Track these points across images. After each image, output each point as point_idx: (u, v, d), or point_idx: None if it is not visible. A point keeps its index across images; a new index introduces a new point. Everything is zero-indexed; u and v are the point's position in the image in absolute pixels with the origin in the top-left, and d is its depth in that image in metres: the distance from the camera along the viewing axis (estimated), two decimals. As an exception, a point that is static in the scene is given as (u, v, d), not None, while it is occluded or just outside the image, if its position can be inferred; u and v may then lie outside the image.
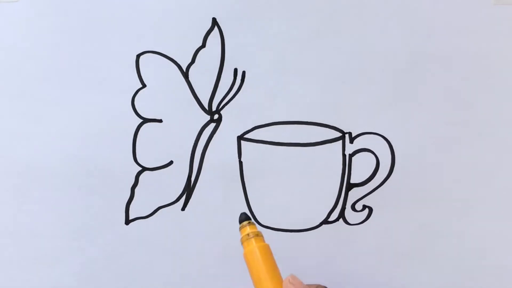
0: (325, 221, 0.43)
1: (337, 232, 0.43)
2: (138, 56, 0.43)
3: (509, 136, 0.43)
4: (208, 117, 0.43)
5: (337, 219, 0.44)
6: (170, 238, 0.44)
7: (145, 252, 0.44)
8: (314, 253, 0.43)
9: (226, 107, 0.43)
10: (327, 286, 0.35)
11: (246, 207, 0.44)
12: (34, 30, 0.43)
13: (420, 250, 0.43)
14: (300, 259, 0.43)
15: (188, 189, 0.44)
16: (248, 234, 0.35)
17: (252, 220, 0.37)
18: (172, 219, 0.44)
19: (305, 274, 0.43)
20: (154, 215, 0.44)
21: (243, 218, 0.36)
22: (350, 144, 0.43)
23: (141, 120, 0.43)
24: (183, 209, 0.44)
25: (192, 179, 0.44)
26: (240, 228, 0.36)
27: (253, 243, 0.35)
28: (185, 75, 0.43)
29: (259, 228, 0.36)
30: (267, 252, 0.35)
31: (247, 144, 0.43)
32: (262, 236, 0.36)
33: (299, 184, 0.43)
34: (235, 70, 0.43)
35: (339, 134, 0.43)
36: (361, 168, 0.43)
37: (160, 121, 0.43)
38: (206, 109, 0.43)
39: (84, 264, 0.44)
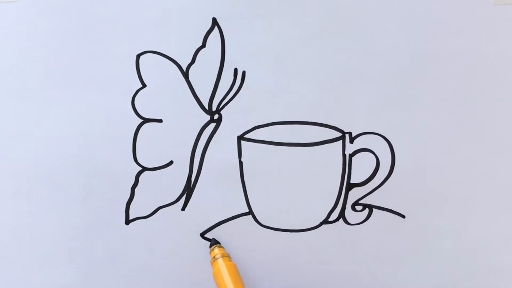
0: (325, 221, 0.43)
1: (337, 232, 0.43)
2: (138, 56, 0.43)
3: (509, 136, 0.43)
4: (208, 117, 0.43)
5: (337, 219, 0.44)
6: (170, 238, 0.44)
7: (145, 252, 0.44)
8: (314, 253, 0.43)
9: (226, 107, 0.43)
10: None
11: (246, 207, 0.44)
12: (34, 30, 0.43)
13: (420, 250, 0.43)
14: (300, 259, 0.43)
15: (188, 189, 0.44)
16: (214, 256, 0.41)
17: (221, 244, 0.43)
18: (172, 219, 0.44)
19: (305, 274, 0.43)
20: (154, 215, 0.44)
21: (213, 242, 0.43)
22: (350, 144, 0.43)
23: (141, 120, 0.43)
24: (183, 209, 0.44)
25: (192, 179, 0.44)
26: (210, 251, 0.42)
27: (220, 262, 0.40)
28: (185, 75, 0.43)
29: (227, 250, 0.42)
30: (233, 270, 0.40)
31: (247, 144, 0.43)
32: (229, 256, 0.41)
33: (299, 184, 0.43)
34: (235, 70, 0.43)
35: (339, 134, 0.43)
36: (361, 168, 0.43)
37: (160, 121, 0.43)
38: (206, 109, 0.43)
39: (84, 264, 0.44)
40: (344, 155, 0.43)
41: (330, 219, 0.43)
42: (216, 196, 0.44)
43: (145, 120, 0.43)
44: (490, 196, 0.43)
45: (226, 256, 0.41)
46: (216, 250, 0.42)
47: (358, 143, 0.43)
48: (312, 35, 0.43)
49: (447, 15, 0.42)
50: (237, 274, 0.40)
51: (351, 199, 0.43)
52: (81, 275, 0.44)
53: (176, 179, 0.44)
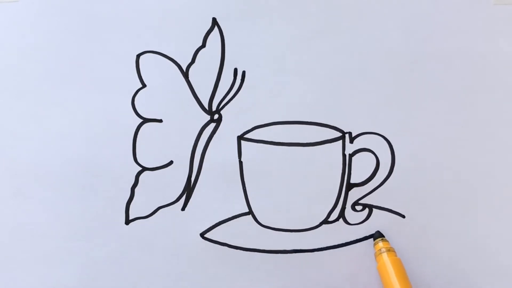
0: (325, 221, 0.43)
1: (337, 232, 0.43)
2: (138, 56, 0.43)
3: (509, 136, 0.43)
4: (208, 117, 0.43)
5: (337, 219, 0.44)
6: (170, 238, 0.44)
7: (145, 252, 0.44)
8: (314, 253, 0.43)
9: (226, 107, 0.43)
10: None
11: (246, 207, 0.44)
12: (34, 30, 0.43)
13: (420, 250, 0.43)
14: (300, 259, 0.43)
15: (188, 189, 0.44)
16: (380, 250, 0.41)
17: (385, 237, 0.42)
18: (172, 219, 0.44)
19: (305, 274, 0.43)
20: (154, 215, 0.44)
21: (377, 235, 0.42)
22: (350, 144, 0.43)
23: (141, 120, 0.43)
24: (183, 209, 0.44)
25: (192, 179, 0.44)
26: (374, 244, 0.42)
27: (384, 257, 0.40)
28: (185, 75, 0.43)
29: (392, 244, 0.42)
30: (398, 265, 0.39)
31: (247, 144, 0.43)
32: (394, 251, 0.41)
33: (299, 184, 0.43)
34: (235, 70, 0.43)
35: (339, 134, 0.43)
36: (361, 168, 0.43)
37: (160, 121, 0.43)
38: (206, 109, 0.43)
39: (84, 264, 0.44)
40: (344, 155, 0.43)
41: (330, 219, 0.43)
42: (216, 196, 0.44)
43: (145, 120, 0.43)
44: (490, 196, 0.43)
45: (391, 250, 0.41)
46: (381, 244, 0.41)
47: (358, 143, 0.43)
48: (312, 35, 0.43)
49: (447, 15, 0.42)
50: (402, 269, 0.39)
51: (351, 199, 0.43)
52: (81, 275, 0.44)
53: (176, 179, 0.44)
